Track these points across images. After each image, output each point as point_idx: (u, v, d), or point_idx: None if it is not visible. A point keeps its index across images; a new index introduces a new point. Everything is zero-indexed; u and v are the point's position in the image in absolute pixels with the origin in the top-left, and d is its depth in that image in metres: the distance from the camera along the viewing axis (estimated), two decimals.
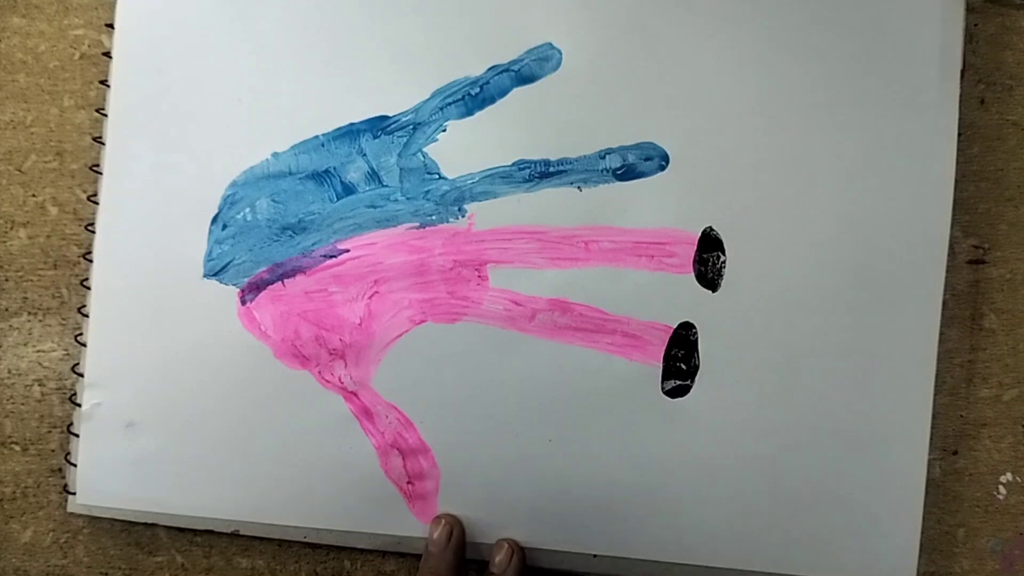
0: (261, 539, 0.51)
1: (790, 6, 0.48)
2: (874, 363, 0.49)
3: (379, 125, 0.48)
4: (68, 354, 0.51)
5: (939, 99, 0.48)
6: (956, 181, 0.49)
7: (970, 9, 0.50)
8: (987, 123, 0.51)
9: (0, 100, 0.50)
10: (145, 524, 0.50)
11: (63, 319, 0.51)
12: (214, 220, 0.49)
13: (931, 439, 0.50)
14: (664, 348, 0.49)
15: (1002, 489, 0.51)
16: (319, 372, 0.49)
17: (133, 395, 0.49)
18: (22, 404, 0.51)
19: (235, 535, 0.50)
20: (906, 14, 0.49)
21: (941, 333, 0.49)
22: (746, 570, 0.49)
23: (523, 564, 0.49)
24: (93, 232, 0.50)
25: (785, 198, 0.48)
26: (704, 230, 0.49)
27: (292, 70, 0.49)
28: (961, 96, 0.49)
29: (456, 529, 0.49)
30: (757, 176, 0.48)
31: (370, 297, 0.49)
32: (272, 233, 0.49)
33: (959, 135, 0.49)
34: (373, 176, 0.48)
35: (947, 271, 0.49)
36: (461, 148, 0.48)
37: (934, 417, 0.50)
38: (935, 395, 0.49)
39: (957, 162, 0.50)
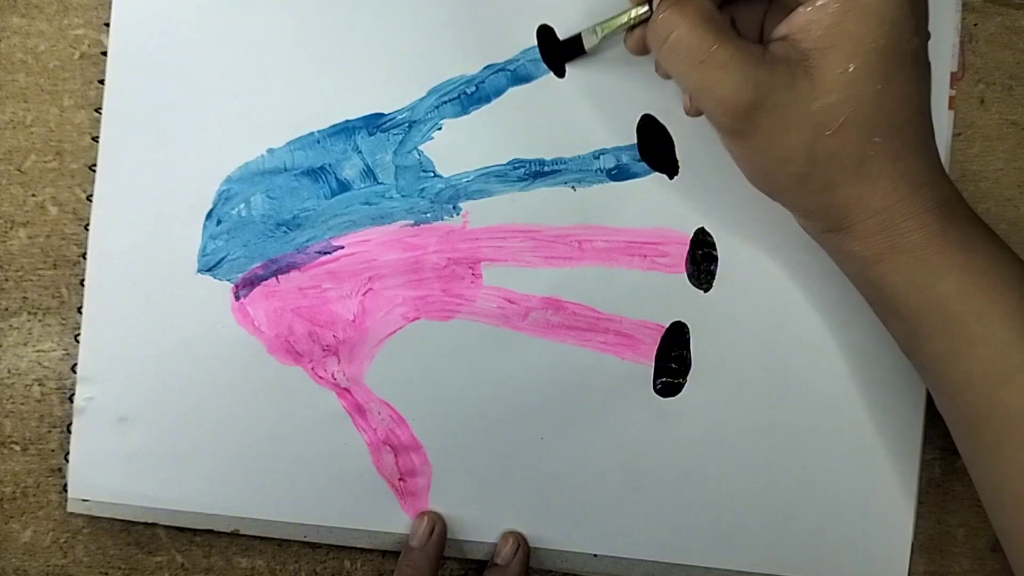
0: (261, 539, 0.51)
1: None
2: (867, 363, 0.49)
3: (375, 122, 0.48)
4: (68, 354, 0.51)
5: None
6: (956, 181, 0.49)
7: (970, 9, 0.50)
8: (987, 123, 0.51)
9: (0, 100, 0.50)
10: (145, 524, 0.50)
11: (63, 319, 0.51)
12: (208, 215, 0.49)
13: (931, 439, 0.50)
14: (656, 347, 0.49)
15: None
16: (312, 368, 0.49)
17: (126, 390, 0.49)
18: (22, 404, 0.51)
19: (235, 535, 0.50)
20: None
21: None
22: (736, 571, 0.49)
23: (528, 557, 0.49)
24: None
25: None
26: (697, 230, 0.49)
27: (288, 67, 0.49)
28: (961, 96, 0.49)
29: (438, 525, 0.49)
30: None
31: (364, 294, 0.49)
32: (267, 229, 0.49)
33: (959, 135, 0.49)
34: (368, 173, 0.49)
35: None
36: (456, 146, 0.49)
37: (934, 417, 0.50)
38: None
39: (957, 162, 0.50)
